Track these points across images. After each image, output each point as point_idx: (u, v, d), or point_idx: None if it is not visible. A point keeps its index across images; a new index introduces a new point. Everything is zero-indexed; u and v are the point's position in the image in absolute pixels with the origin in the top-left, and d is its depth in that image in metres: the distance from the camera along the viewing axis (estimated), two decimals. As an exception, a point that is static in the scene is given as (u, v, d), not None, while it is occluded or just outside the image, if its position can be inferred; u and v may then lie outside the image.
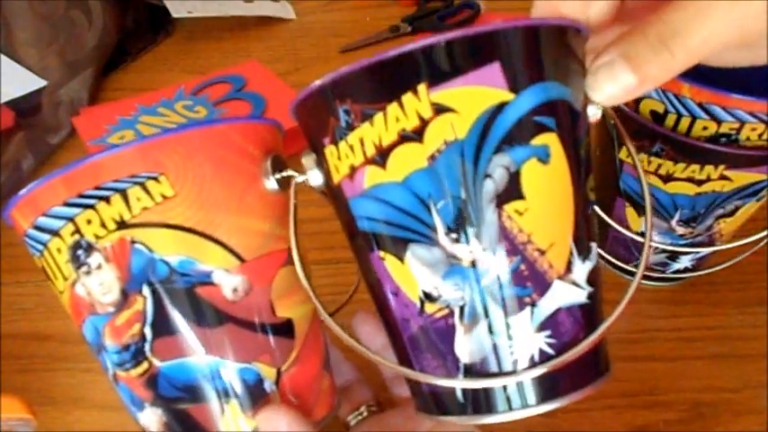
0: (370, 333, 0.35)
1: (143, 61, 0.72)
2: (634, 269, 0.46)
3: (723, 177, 0.37)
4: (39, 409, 0.37)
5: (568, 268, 0.25)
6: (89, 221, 0.26)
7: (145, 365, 0.27)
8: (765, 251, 0.43)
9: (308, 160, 0.26)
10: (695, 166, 0.37)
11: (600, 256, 0.48)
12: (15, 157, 0.58)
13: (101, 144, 0.57)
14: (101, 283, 0.26)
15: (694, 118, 0.35)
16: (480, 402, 0.26)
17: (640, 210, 0.42)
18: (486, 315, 0.24)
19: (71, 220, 0.26)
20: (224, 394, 0.27)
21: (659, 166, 0.38)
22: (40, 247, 0.27)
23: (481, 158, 0.23)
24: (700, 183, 0.38)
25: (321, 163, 0.26)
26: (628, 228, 0.43)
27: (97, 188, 0.25)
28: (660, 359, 0.44)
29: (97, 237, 0.26)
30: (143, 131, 0.58)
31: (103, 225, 0.26)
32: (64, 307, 0.29)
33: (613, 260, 0.46)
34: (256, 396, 0.27)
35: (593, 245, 0.26)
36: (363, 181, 0.24)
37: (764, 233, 0.41)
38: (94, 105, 0.65)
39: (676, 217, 0.40)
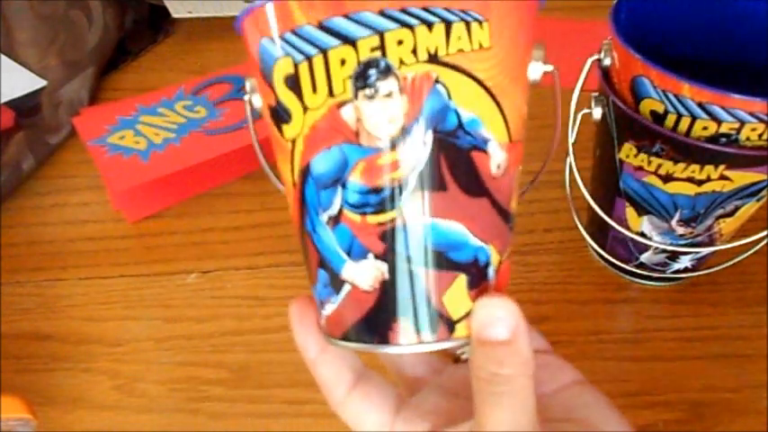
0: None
1: (143, 61, 0.72)
2: (634, 269, 0.47)
3: (723, 177, 0.37)
4: (39, 409, 0.37)
5: None
6: (400, 42, 0.23)
7: (391, 215, 0.25)
8: (765, 251, 0.43)
9: None
10: (695, 166, 0.37)
11: (600, 255, 0.48)
12: (15, 157, 0.58)
13: (101, 144, 0.57)
14: (382, 112, 0.24)
15: (694, 118, 0.35)
16: None
17: (640, 210, 0.42)
18: None
19: (380, 32, 0.23)
20: (458, 267, 0.25)
21: (659, 166, 0.38)
22: (313, 51, 0.24)
23: None
24: (700, 183, 0.38)
25: None
26: (628, 228, 0.43)
27: (425, 9, 0.23)
28: (660, 359, 0.44)
29: (402, 62, 0.23)
30: (143, 131, 0.58)
31: (414, 51, 0.23)
32: (287, 130, 0.26)
33: (613, 260, 0.47)
34: (479, 279, 0.26)
35: None
36: None
37: (764, 233, 0.41)
38: (94, 105, 0.65)
39: (676, 217, 0.40)
